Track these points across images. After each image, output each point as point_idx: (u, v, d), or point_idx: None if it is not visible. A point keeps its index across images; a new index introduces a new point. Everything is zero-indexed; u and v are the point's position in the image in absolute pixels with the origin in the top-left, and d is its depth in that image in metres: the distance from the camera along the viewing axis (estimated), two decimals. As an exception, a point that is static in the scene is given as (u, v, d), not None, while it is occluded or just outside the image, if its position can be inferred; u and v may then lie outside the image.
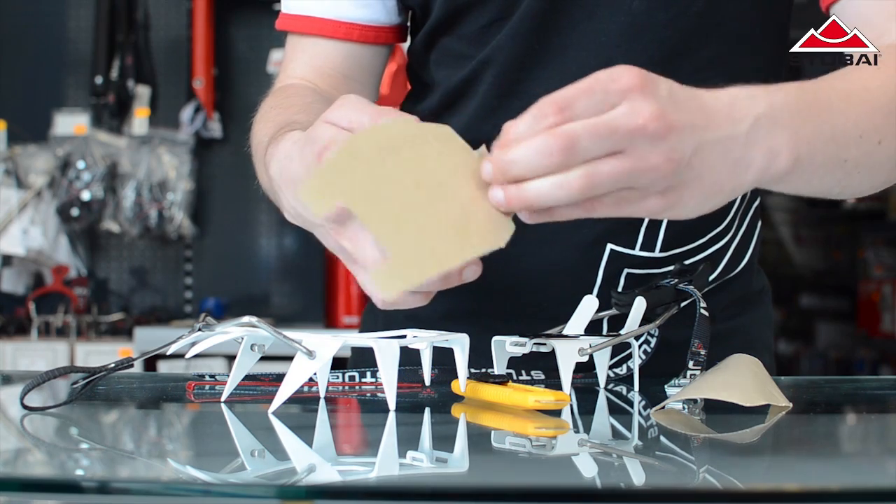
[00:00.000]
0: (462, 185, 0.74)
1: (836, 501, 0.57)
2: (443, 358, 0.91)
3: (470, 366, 0.89)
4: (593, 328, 1.00)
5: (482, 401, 0.86)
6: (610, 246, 1.05)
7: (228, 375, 0.88)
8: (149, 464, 0.69)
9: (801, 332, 4.95)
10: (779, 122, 0.76)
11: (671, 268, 1.02)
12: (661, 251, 1.05)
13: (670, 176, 0.71)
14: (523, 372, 0.99)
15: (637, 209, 0.73)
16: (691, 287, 0.97)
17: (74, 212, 3.29)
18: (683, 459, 0.72)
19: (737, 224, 1.11)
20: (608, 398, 0.94)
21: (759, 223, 1.17)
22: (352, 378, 0.97)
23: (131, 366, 0.88)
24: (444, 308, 0.98)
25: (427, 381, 0.89)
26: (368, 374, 0.97)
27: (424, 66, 1.13)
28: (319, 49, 1.13)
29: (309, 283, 3.50)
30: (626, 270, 1.05)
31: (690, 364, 0.92)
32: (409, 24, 1.16)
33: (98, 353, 3.09)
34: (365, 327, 1.19)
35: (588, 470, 0.67)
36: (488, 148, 0.75)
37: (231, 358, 1.23)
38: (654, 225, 1.05)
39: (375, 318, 1.17)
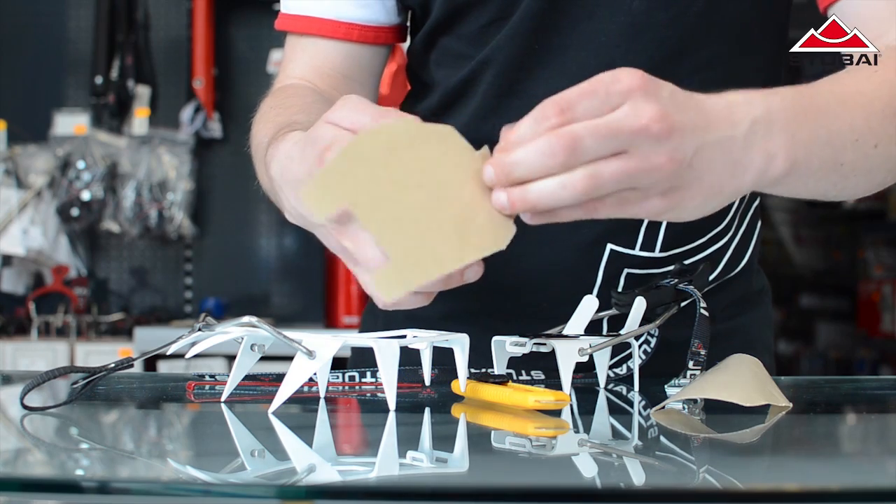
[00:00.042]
0: (464, 187, 0.74)
1: (836, 501, 0.57)
2: (443, 358, 0.91)
3: (470, 366, 0.88)
4: (593, 328, 1.00)
5: (482, 401, 0.86)
6: (610, 246, 1.05)
7: (228, 375, 0.88)
8: (149, 464, 0.69)
9: (801, 332, 4.95)
10: (775, 125, 0.76)
11: (671, 268, 1.02)
12: (660, 251, 1.06)
13: (673, 176, 0.71)
14: (523, 372, 0.99)
15: (638, 210, 0.73)
16: (691, 287, 0.97)
17: (74, 212, 3.29)
18: (683, 459, 0.72)
19: (736, 224, 1.11)
20: (608, 398, 0.94)
21: (759, 223, 1.17)
22: (352, 378, 0.97)
23: (131, 366, 0.88)
24: (444, 308, 0.98)
25: (427, 381, 0.89)
26: (368, 374, 0.97)
27: (424, 66, 1.13)
28: (319, 49, 1.13)
29: (309, 283, 3.50)
30: (626, 270, 1.05)
31: (690, 364, 0.92)
32: (408, 23, 1.16)
33: (98, 353, 3.09)
34: (365, 327, 1.19)
35: (588, 470, 0.67)
36: (491, 149, 0.74)
37: (231, 358, 1.23)
38: (654, 225, 1.05)
39: (375, 318, 1.17)
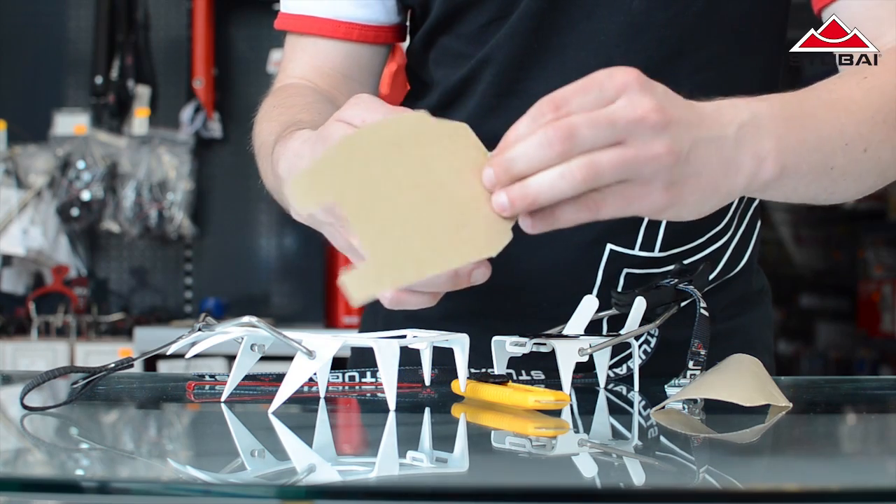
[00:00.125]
0: (465, 187, 0.72)
1: (836, 501, 0.57)
2: (443, 358, 0.91)
3: (470, 366, 0.88)
4: (593, 328, 1.00)
5: (482, 401, 0.86)
6: (609, 246, 1.05)
7: (228, 375, 0.88)
8: (149, 464, 0.69)
9: (801, 332, 4.95)
10: (763, 129, 0.77)
11: (671, 268, 1.02)
12: (660, 251, 1.06)
13: (672, 168, 0.71)
14: (523, 372, 0.99)
15: (641, 206, 0.73)
16: (691, 287, 0.97)
17: (74, 212, 3.29)
18: (683, 459, 0.72)
19: (736, 223, 1.11)
20: (608, 398, 0.94)
21: (759, 223, 1.17)
22: (352, 378, 0.97)
23: (131, 366, 0.88)
24: (444, 308, 0.98)
25: (427, 381, 0.89)
26: (368, 374, 0.97)
27: (423, 66, 1.13)
28: (319, 49, 1.13)
29: (309, 283, 3.51)
30: (625, 270, 1.06)
31: (690, 364, 0.92)
32: (408, 23, 1.16)
33: (98, 353, 3.09)
34: (365, 327, 1.19)
35: (588, 470, 0.67)
36: (491, 149, 0.74)
37: (231, 358, 1.23)
38: (654, 225, 1.05)
39: (375, 318, 1.17)
